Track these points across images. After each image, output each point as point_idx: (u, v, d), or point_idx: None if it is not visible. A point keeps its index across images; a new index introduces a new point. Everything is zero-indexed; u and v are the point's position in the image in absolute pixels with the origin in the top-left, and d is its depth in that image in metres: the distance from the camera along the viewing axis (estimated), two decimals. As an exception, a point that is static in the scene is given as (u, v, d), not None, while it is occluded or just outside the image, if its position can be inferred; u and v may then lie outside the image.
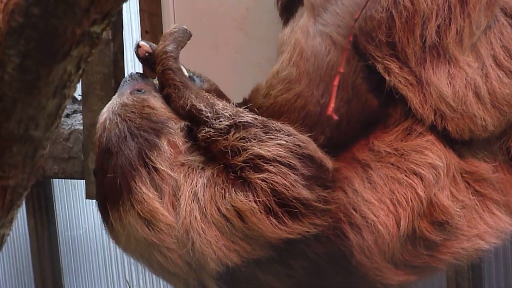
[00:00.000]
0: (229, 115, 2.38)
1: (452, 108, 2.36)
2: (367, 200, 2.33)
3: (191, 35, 2.59)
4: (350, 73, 2.41)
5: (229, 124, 2.36)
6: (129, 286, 4.98)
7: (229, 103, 2.49)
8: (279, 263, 2.33)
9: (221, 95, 2.63)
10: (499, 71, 2.39)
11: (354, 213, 2.33)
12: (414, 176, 2.35)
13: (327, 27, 2.47)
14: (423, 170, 2.35)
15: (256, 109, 2.46)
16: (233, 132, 2.34)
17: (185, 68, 2.61)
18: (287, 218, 2.26)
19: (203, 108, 2.41)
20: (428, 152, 2.37)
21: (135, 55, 2.65)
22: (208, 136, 2.38)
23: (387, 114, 2.42)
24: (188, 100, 2.44)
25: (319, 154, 2.33)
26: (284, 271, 2.34)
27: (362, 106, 2.42)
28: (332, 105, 2.07)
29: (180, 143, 2.41)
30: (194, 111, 2.42)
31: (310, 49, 2.47)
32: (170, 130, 2.42)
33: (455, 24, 2.37)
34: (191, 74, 2.63)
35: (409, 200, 2.33)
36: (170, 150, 2.39)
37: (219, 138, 2.35)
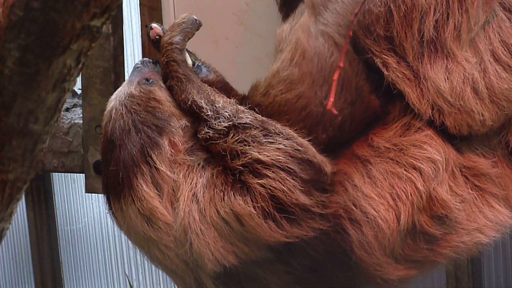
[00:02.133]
0: (229, 115, 2.38)
1: (449, 103, 2.36)
2: (367, 195, 2.33)
3: (200, 25, 2.57)
4: (353, 75, 2.41)
5: (228, 125, 2.36)
6: (128, 280, 4.97)
7: (232, 97, 2.48)
8: (278, 261, 2.33)
9: (226, 86, 2.63)
10: (497, 66, 2.39)
11: (354, 208, 2.33)
12: (413, 170, 2.35)
13: (328, 26, 2.46)
14: (422, 164, 2.35)
15: (255, 107, 2.45)
16: (232, 134, 2.34)
17: (193, 55, 2.60)
18: (285, 223, 2.26)
19: (204, 106, 2.41)
20: (427, 147, 2.37)
21: (147, 37, 2.64)
22: (208, 137, 2.38)
23: (387, 112, 2.42)
24: (190, 95, 2.44)
25: (317, 158, 2.33)
26: (283, 269, 2.35)
27: (365, 107, 2.42)
28: (331, 99, 2.07)
29: (181, 143, 2.41)
30: (195, 108, 2.42)
31: (313, 50, 2.46)
32: (172, 129, 2.42)
33: (453, 19, 2.37)
34: (199, 63, 2.62)
35: (409, 194, 2.33)
36: (171, 151, 2.39)
37: (219, 140, 2.36)
